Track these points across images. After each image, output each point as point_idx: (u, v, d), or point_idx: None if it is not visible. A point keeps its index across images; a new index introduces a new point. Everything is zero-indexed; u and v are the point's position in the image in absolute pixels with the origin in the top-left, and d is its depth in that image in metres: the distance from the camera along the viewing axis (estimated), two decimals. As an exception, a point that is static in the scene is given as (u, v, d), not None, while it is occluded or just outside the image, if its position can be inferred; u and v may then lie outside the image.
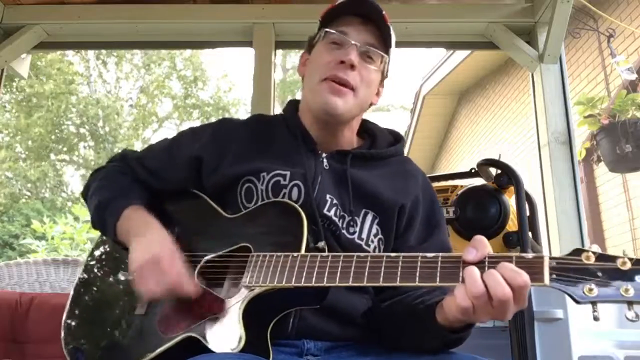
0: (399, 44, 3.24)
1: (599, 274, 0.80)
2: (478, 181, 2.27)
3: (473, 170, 2.28)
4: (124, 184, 1.25)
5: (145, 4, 2.84)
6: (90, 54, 14.19)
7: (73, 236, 6.72)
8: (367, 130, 1.33)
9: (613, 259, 0.80)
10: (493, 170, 2.19)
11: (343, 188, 1.18)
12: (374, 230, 1.17)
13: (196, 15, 2.85)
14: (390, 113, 16.66)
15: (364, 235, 1.16)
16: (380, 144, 1.29)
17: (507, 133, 6.73)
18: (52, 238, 6.65)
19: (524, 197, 2.04)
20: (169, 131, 15.50)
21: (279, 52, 2.88)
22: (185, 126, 15.14)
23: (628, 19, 4.50)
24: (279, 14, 2.79)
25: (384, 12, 1.21)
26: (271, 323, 1.00)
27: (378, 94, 1.30)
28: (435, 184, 2.44)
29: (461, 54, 6.51)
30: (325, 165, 1.20)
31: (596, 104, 3.59)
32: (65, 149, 14.51)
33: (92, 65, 14.94)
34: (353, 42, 1.18)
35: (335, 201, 1.16)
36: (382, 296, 1.15)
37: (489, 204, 2.05)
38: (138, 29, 2.85)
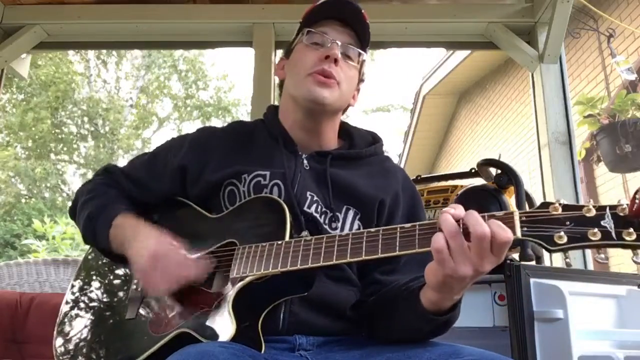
0: (399, 44, 3.27)
1: (567, 222, 0.84)
2: (478, 181, 2.27)
3: (473, 170, 2.28)
4: (111, 195, 1.27)
5: (145, 4, 2.84)
6: (91, 54, 14.20)
7: (74, 236, 6.72)
8: (345, 131, 1.36)
9: (579, 207, 0.85)
10: (493, 170, 2.19)
11: (323, 186, 1.21)
12: (355, 226, 1.20)
13: (196, 15, 2.85)
14: (390, 113, 16.68)
15: (346, 231, 1.18)
16: (358, 144, 1.32)
17: (507, 133, 6.73)
18: (53, 238, 6.65)
19: (524, 197, 2.04)
20: (169, 131, 15.53)
21: (279, 52, 2.88)
22: (186, 126, 15.18)
23: (628, 19, 4.50)
24: (278, 14, 2.79)
25: (363, 12, 1.27)
26: (262, 314, 1.02)
27: (354, 97, 1.34)
28: (436, 184, 2.45)
29: (461, 54, 6.51)
30: (306, 166, 1.24)
31: (596, 104, 3.58)
32: (65, 148, 14.51)
33: (92, 65, 14.95)
34: (334, 40, 1.24)
35: (316, 198, 1.19)
36: (368, 290, 1.17)
37: (489, 204, 2.05)
38: (138, 29, 2.86)
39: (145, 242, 1.09)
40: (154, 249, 1.07)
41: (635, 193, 0.79)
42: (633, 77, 3.45)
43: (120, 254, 1.16)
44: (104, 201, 1.24)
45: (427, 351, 0.99)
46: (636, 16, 4.46)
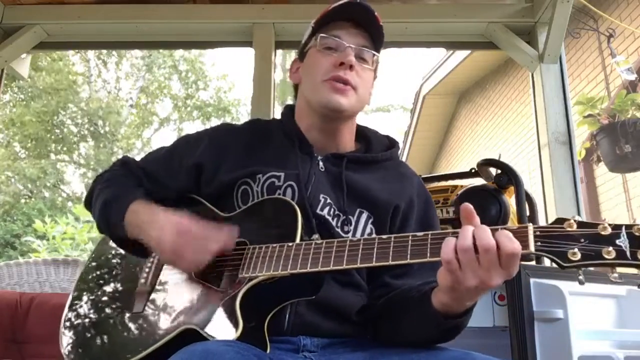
0: (399, 44, 3.27)
1: (582, 239, 0.84)
2: (478, 181, 2.27)
3: (473, 170, 2.28)
4: (128, 184, 1.27)
5: (145, 4, 2.84)
6: (91, 54, 14.20)
7: (74, 236, 6.73)
8: (363, 134, 1.36)
9: (594, 225, 0.84)
10: (493, 170, 2.19)
11: (338, 189, 1.20)
12: (368, 230, 1.19)
13: (196, 15, 2.85)
14: (390, 113, 16.65)
15: (358, 234, 1.18)
16: (375, 148, 1.32)
17: (507, 133, 6.73)
18: (53, 238, 6.66)
19: (524, 197, 2.04)
20: (170, 132, 15.53)
21: (279, 52, 2.88)
22: (186, 126, 15.17)
23: (628, 19, 4.50)
24: (279, 14, 2.79)
25: (376, 13, 1.25)
26: (269, 315, 1.02)
27: (370, 95, 1.33)
28: (436, 184, 2.45)
29: (461, 54, 6.51)
30: (321, 168, 1.23)
31: (596, 104, 3.58)
32: (65, 148, 14.51)
33: (92, 65, 14.96)
34: (348, 45, 1.23)
35: (329, 201, 1.18)
36: (377, 292, 1.17)
37: (489, 204, 2.05)
38: (138, 29, 2.86)
39: (167, 220, 1.09)
40: (178, 226, 1.07)
41: None
42: (633, 77, 3.45)
43: (136, 240, 1.15)
44: (120, 189, 1.24)
45: (433, 355, 0.99)
46: (636, 16, 4.46)
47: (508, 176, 2.07)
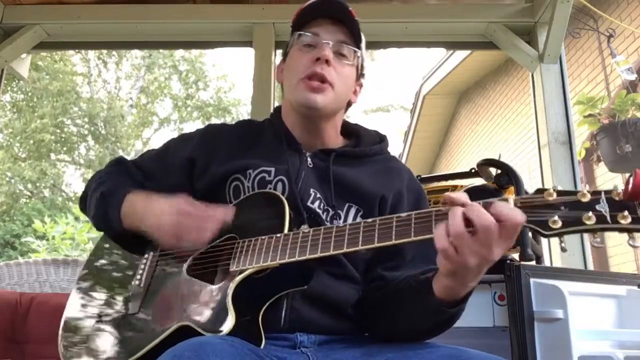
0: (399, 44, 3.26)
1: (562, 207, 0.84)
2: (478, 181, 2.27)
3: (473, 170, 2.28)
4: (123, 179, 1.29)
5: (145, 4, 2.84)
6: (91, 54, 14.20)
7: (74, 236, 6.73)
8: (352, 130, 1.37)
9: (573, 193, 0.84)
10: (493, 170, 2.19)
11: (326, 184, 1.22)
12: None
13: (196, 15, 2.85)
14: (390, 113, 16.69)
15: None
16: (365, 143, 1.33)
17: (507, 133, 6.73)
18: (53, 238, 6.66)
19: (524, 197, 2.03)
20: (170, 132, 15.53)
21: (279, 52, 2.88)
22: (186, 127, 15.18)
23: (628, 19, 4.50)
24: (279, 14, 2.79)
25: (350, 9, 1.26)
26: (262, 308, 1.03)
27: (355, 92, 1.35)
28: (436, 184, 2.45)
29: (461, 54, 6.51)
30: (309, 164, 1.25)
31: (596, 104, 3.59)
32: (65, 149, 14.51)
33: (92, 65, 14.96)
34: (325, 41, 1.24)
35: (318, 195, 1.20)
36: (372, 285, 1.17)
37: (489, 204, 2.04)
38: (138, 29, 2.86)
39: (165, 204, 1.11)
40: (176, 207, 1.09)
41: (629, 177, 0.78)
42: (633, 77, 3.45)
43: (134, 231, 1.16)
44: (116, 183, 1.26)
45: (429, 352, 0.99)
46: (636, 16, 4.46)
47: (508, 176, 2.07)
